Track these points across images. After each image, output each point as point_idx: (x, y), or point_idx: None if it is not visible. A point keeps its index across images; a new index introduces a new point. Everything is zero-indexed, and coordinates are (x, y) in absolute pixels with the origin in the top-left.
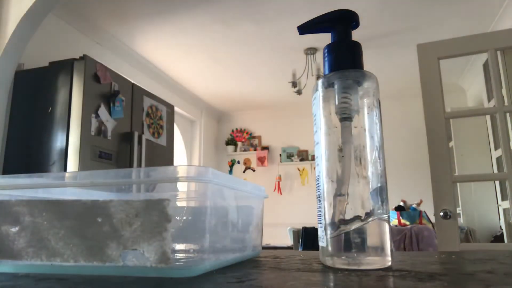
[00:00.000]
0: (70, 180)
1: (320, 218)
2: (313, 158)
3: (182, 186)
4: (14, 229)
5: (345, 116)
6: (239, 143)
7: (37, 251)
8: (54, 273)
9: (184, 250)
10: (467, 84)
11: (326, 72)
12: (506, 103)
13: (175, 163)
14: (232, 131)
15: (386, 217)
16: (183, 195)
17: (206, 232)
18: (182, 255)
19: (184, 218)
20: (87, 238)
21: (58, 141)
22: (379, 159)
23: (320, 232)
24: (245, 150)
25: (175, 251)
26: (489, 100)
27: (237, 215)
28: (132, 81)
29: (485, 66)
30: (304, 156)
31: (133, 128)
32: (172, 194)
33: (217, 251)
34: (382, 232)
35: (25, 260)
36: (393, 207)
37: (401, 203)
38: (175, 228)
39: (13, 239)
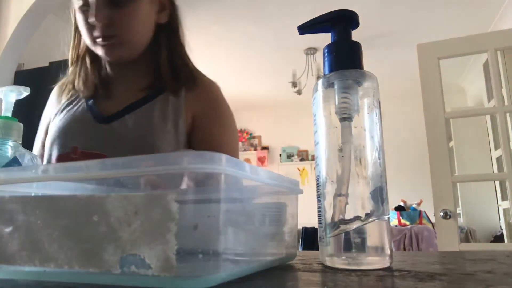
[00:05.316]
0: (62, 172)
1: (320, 218)
2: (313, 158)
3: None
4: (7, 229)
5: (345, 116)
6: (239, 143)
7: (29, 255)
8: (46, 280)
9: (193, 255)
10: (467, 84)
11: (326, 72)
12: (506, 103)
13: None
14: None
15: (386, 217)
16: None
17: (219, 233)
18: (190, 262)
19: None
20: (81, 241)
21: None
22: (379, 159)
23: (320, 232)
24: (245, 150)
25: (181, 257)
26: (489, 100)
27: (261, 213)
28: None
29: (485, 66)
30: (304, 156)
31: None
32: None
33: (233, 257)
34: (382, 232)
35: (17, 265)
36: (393, 207)
37: (401, 203)
38: (181, 229)
39: (6, 240)
